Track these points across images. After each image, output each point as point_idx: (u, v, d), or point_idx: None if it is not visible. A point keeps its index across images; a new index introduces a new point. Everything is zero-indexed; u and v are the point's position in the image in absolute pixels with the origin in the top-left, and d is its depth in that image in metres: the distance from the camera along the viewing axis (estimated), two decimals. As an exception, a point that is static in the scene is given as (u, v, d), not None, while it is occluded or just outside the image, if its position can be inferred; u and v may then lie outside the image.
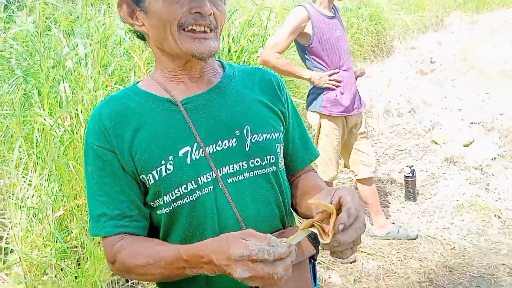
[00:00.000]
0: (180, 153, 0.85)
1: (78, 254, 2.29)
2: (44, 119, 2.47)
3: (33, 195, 2.33)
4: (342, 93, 2.44)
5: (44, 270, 2.25)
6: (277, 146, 0.94)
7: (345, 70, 2.46)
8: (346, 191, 0.75)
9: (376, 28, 7.98)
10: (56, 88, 2.58)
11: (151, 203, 0.88)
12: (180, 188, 0.84)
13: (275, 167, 0.92)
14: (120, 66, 2.74)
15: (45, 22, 2.77)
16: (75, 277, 2.12)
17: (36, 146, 2.44)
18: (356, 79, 2.57)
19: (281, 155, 0.96)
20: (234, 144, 0.88)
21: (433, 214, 3.01)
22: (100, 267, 2.08)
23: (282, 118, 0.98)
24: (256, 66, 1.06)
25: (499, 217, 2.91)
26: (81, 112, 2.31)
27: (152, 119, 0.87)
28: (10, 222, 2.26)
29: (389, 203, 3.21)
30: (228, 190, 0.86)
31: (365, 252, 2.63)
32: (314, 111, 2.49)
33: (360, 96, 2.59)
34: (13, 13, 2.97)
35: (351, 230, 0.70)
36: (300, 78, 2.53)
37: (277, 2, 5.05)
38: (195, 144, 0.85)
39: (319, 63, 2.43)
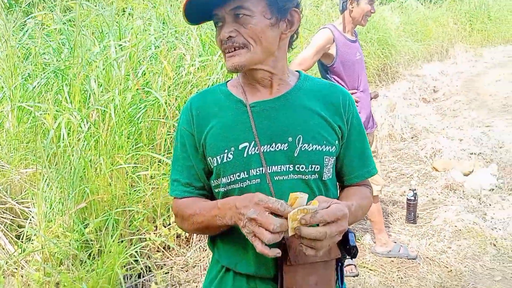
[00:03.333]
0: (240, 146, 1.02)
1: (92, 248, 2.38)
2: (72, 114, 2.59)
3: (57, 187, 2.42)
4: (358, 112, 2.58)
5: (61, 260, 2.34)
6: (325, 157, 1.05)
7: (362, 91, 2.61)
8: (337, 207, 0.88)
9: (383, 53, 8.18)
10: (85, 86, 2.70)
11: (211, 181, 1.08)
12: (234, 175, 1.02)
13: (317, 175, 1.04)
14: (149, 70, 2.87)
15: (81, 23, 2.90)
16: (92, 269, 2.21)
17: (63, 140, 2.54)
18: (370, 100, 2.72)
19: (329, 167, 1.06)
20: (285, 148, 1.02)
21: (432, 237, 3.14)
22: (118, 261, 2.17)
23: (339, 134, 1.09)
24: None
25: (495, 245, 3.03)
26: (113, 111, 2.42)
27: (225, 115, 1.06)
28: (33, 212, 2.36)
29: (391, 223, 3.34)
30: (272, 186, 1.01)
31: (367, 268, 2.74)
32: (328, 128, 2.61)
33: (373, 117, 2.73)
34: (50, 11, 3.11)
35: (310, 228, 0.85)
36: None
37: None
38: (253, 142, 1.02)
39: (339, 82, 2.57)
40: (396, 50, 8.69)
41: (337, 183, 1.16)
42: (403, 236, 3.17)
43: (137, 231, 2.62)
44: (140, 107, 2.61)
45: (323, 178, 1.05)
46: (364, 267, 2.74)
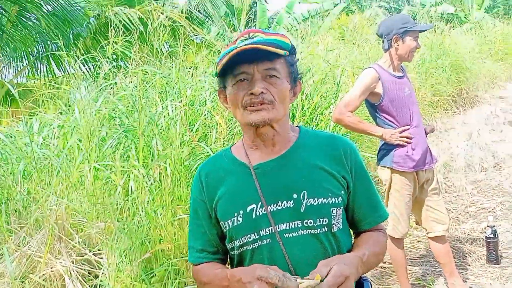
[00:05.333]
0: (248, 209, 1.07)
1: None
2: (138, 170, 2.83)
3: (125, 238, 2.63)
4: (413, 149, 2.48)
5: (131, 308, 2.49)
6: (333, 209, 1.06)
7: (415, 127, 2.51)
8: (339, 271, 0.91)
9: (458, 78, 7.74)
10: (149, 143, 2.96)
11: (227, 244, 1.13)
12: (245, 237, 1.07)
13: (327, 228, 1.06)
14: (204, 124, 3.07)
15: (144, 86, 3.22)
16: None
17: (131, 194, 2.78)
18: (426, 135, 2.60)
19: (337, 218, 1.07)
20: (291, 205, 1.05)
21: (519, 281, 2.80)
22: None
23: (344, 184, 1.10)
24: (333, 132, 1.21)
25: None
26: (169, 165, 2.62)
27: (232, 179, 1.12)
28: (106, 262, 2.57)
29: (469, 265, 3.05)
30: (283, 243, 1.04)
31: (440, 316, 2.52)
32: (385, 167, 2.54)
33: (431, 152, 2.60)
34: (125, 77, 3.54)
35: None
36: (372, 135, 2.62)
37: (347, 59, 5.24)
38: (260, 203, 1.06)
39: (389, 120, 2.51)
40: (472, 73, 8.18)
41: (351, 231, 1.16)
42: (483, 279, 2.86)
43: (199, 279, 2.71)
44: (197, 159, 2.78)
45: (332, 230, 1.06)
46: (436, 315, 2.52)
